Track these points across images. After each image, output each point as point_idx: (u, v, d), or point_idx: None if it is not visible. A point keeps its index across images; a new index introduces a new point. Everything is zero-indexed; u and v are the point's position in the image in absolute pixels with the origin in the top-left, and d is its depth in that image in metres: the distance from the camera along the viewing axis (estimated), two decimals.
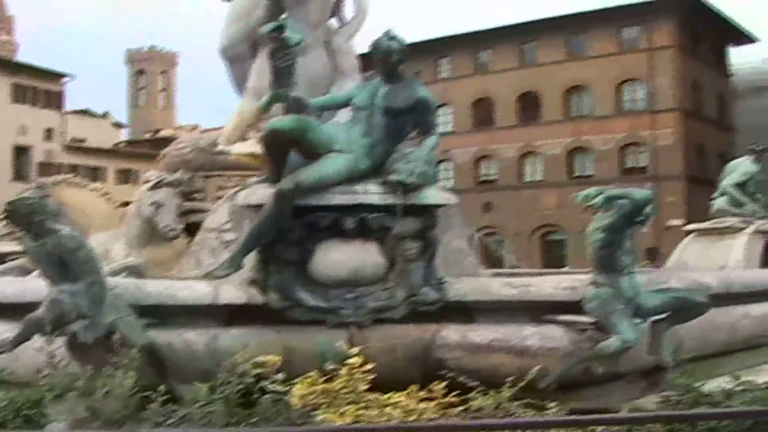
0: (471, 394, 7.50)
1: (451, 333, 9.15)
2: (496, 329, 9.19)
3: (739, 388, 7.27)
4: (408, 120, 9.58)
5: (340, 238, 9.16)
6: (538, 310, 9.56)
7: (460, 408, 7.32)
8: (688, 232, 18.48)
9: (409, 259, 9.29)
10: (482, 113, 66.45)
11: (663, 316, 9.56)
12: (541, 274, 12.17)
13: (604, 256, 9.24)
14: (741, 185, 17.79)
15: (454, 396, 7.54)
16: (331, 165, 9.11)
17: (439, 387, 7.49)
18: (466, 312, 9.49)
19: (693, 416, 6.76)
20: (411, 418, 6.98)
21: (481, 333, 9.13)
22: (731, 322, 12.06)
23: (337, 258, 9.15)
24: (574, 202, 9.59)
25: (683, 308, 9.53)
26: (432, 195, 9.47)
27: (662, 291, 9.70)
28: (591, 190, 9.48)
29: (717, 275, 12.74)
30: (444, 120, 65.47)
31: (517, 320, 9.42)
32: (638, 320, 9.23)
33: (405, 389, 7.74)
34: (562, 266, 38.93)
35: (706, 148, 61.24)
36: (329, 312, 9.08)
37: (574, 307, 9.31)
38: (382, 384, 7.62)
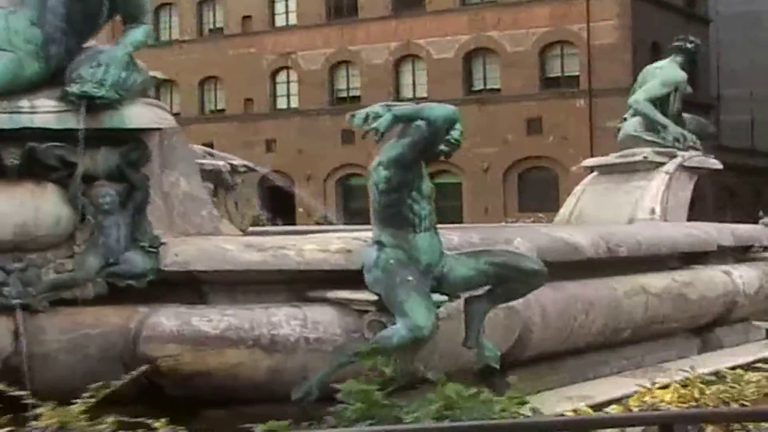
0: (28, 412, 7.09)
1: (167, 319, 8.55)
2: (235, 313, 8.64)
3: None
4: (100, 3, 8.98)
5: None
6: (300, 284, 9.06)
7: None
8: (592, 170, 17.92)
9: (106, 211, 8.70)
10: None
11: (479, 291, 8.95)
12: (309, 232, 11.69)
13: (389, 205, 8.52)
14: (660, 100, 17.08)
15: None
16: None
17: None
18: (194, 287, 9.00)
19: None
20: None
21: (213, 319, 8.54)
22: (615, 299, 11.75)
23: None
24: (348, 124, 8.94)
25: (509, 279, 8.88)
26: (135, 114, 8.83)
27: (477, 255, 9.02)
28: (375, 108, 8.68)
29: (594, 231, 12.29)
30: None
31: (268, 299, 8.93)
32: (443, 297, 8.61)
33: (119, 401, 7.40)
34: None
35: (665, 49, 61.23)
36: None
37: (353, 278, 8.73)
38: (72, 395, 7.19)
